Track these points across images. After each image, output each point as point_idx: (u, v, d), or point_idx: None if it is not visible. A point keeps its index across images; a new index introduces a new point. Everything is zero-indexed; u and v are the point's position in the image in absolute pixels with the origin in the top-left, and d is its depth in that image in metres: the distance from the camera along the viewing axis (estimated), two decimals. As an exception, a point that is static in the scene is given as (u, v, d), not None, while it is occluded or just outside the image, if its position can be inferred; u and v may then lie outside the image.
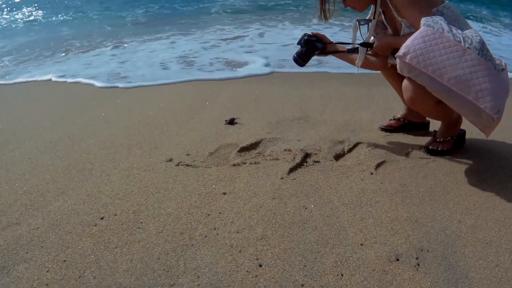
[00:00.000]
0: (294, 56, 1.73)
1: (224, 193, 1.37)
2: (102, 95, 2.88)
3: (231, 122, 2.11)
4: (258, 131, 1.92)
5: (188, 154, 1.67)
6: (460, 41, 1.40)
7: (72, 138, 1.93)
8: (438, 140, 1.72)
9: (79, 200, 1.35)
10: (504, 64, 1.44)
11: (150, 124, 2.08)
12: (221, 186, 1.42)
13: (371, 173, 1.50)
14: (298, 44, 1.73)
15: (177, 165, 1.58)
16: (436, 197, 1.36)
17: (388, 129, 1.96)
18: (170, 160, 1.63)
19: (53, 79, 3.43)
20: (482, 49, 1.39)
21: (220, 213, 1.25)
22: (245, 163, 1.58)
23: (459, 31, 1.44)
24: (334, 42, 1.76)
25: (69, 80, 3.34)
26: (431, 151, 1.70)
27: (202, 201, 1.32)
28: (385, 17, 1.68)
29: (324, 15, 1.74)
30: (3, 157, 1.75)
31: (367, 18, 1.72)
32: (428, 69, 1.38)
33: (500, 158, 1.66)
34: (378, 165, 1.57)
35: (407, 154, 1.68)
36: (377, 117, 2.15)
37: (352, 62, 1.76)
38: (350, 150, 1.73)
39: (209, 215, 1.25)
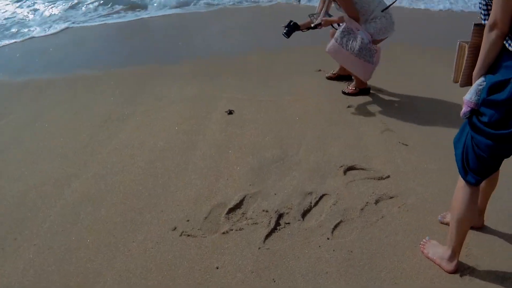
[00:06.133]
0: (283, 32, 3.45)
1: (217, 267, 2.00)
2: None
3: (230, 112, 3.30)
4: (242, 183, 2.48)
5: (188, 220, 2.26)
6: (348, 50, 3.15)
7: (92, 200, 2.49)
8: (349, 88, 3.61)
9: (115, 281, 1.99)
10: (377, 49, 3.19)
11: (153, 176, 2.63)
12: (214, 259, 2.03)
13: (328, 238, 2.09)
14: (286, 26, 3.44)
15: (181, 235, 2.18)
16: (374, 264, 1.94)
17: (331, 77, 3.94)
18: (175, 228, 2.22)
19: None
20: (359, 53, 3.13)
21: (214, 292, 1.91)
22: (232, 230, 2.18)
23: (350, 40, 3.14)
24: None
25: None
26: (344, 93, 3.60)
27: (202, 277, 1.95)
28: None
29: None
30: (37, 231, 2.28)
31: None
32: (336, 60, 3.54)
33: (437, 214, 2.20)
34: (335, 227, 2.14)
35: (362, 210, 2.24)
36: (346, 152, 2.65)
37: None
38: (316, 203, 2.31)
39: (207, 294, 1.90)
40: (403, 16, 5.70)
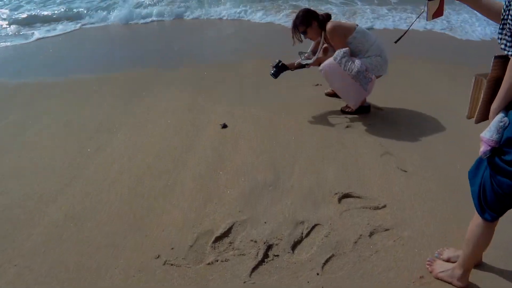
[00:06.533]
0: (271, 73, 3.44)
1: (200, 302, 1.93)
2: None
3: (225, 126, 3.28)
4: (231, 209, 2.40)
5: (172, 248, 2.18)
6: (346, 70, 3.12)
7: (76, 219, 2.42)
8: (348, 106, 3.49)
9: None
10: (372, 78, 3.19)
11: (139, 196, 2.56)
12: (198, 292, 1.97)
13: (318, 274, 2.01)
14: (275, 67, 3.44)
15: (164, 264, 2.10)
16: (363, 305, 1.89)
17: (330, 94, 3.85)
18: (158, 257, 2.14)
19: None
20: (356, 76, 3.12)
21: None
22: (217, 261, 2.10)
23: (349, 61, 3.13)
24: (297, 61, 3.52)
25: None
26: (342, 111, 3.52)
27: (183, 312, 1.89)
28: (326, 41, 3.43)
29: (298, 40, 3.38)
30: (19, 251, 2.21)
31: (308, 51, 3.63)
32: (328, 80, 3.30)
33: (434, 249, 2.12)
34: (326, 261, 2.06)
35: (355, 243, 2.16)
36: (341, 177, 2.57)
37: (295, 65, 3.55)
38: (308, 234, 2.23)
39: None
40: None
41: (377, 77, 3.33)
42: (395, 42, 2.39)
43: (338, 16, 6.70)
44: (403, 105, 3.69)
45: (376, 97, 3.65)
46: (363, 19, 6.60)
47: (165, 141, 3.15)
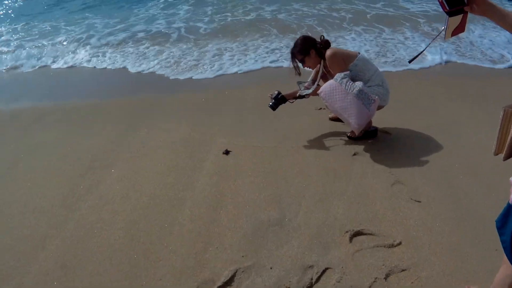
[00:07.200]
0: (270, 104, 3.41)
1: None
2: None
3: (227, 152, 3.24)
4: (234, 253, 2.24)
5: (170, 301, 2.03)
6: (347, 89, 2.99)
7: (66, 267, 2.26)
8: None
9: None
10: (375, 99, 3.02)
11: (134, 241, 2.40)
12: None
13: (329, 327, 1.84)
14: (273, 98, 3.41)
15: (161, 320, 1.95)
16: None
17: (334, 119, 3.73)
18: (154, 311, 1.99)
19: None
20: (358, 95, 2.97)
21: None
22: (220, 315, 1.93)
23: (350, 82, 3.02)
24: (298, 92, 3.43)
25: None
26: (349, 137, 3.37)
27: None
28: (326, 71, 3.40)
29: (297, 72, 3.37)
30: None
31: (308, 80, 3.52)
32: (328, 101, 3.09)
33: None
34: (338, 311, 1.90)
35: (370, 287, 1.99)
36: (351, 212, 2.41)
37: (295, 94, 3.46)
38: (318, 279, 2.05)
39: None
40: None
41: (379, 108, 3.22)
42: (409, 61, 2.25)
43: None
44: (413, 129, 3.52)
45: (383, 121, 3.52)
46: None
47: (161, 178, 3.00)
